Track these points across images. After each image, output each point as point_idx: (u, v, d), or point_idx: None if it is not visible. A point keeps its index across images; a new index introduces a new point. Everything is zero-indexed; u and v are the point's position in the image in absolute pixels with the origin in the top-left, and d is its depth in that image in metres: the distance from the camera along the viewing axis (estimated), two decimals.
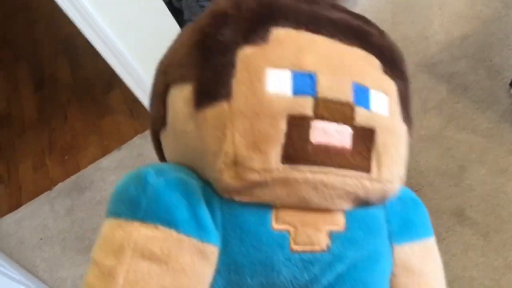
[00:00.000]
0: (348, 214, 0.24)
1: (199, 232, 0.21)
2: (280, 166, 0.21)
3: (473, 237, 1.40)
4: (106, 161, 2.10)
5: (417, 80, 1.83)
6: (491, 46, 1.82)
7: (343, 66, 0.23)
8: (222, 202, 0.22)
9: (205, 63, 0.22)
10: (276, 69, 0.21)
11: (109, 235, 0.23)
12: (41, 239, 1.92)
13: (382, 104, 0.24)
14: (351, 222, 0.24)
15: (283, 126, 0.21)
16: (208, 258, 0.21)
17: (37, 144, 2.37)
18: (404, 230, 0.27)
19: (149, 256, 0.21)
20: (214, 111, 0.21)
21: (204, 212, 0.22)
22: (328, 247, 0.23)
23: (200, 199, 0.22)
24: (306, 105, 0.21)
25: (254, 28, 0.22)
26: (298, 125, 0.21)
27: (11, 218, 2.05)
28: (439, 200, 1.50)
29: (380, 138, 0.24)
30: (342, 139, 0.22)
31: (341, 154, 0.22)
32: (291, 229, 0.22)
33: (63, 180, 2.12)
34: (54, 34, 3.04)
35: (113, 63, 1.83)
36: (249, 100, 0.20)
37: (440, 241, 1.42)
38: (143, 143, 2.09)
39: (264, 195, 0.22)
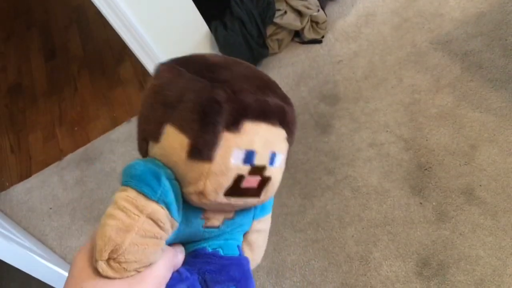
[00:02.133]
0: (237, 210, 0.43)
1: (177, 216, 0.38)
2: (223, 198, 0.38)
3: (481, 217, 1.39)
4: (115, 133, 2.11)
5: (431, 58, 1.81)
6: (507, 24, 1.78)
7: (270, 143, 0.40)
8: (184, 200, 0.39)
9: (200, 131, 0.37)
10: (238, 149, 0.37)
11: (134, 199, 0.35)
12: (50, 208, 1.95)
13: (280, 160, 0.42)
14: (237, 214, 0.43)
15: (231, 182, 0.38)
16: (173, 226, 0.38)
17: (47, 115, 2.38)
18: (260, 212, 0.46)
19: (153, 219, 0.36)
20: (198, 166, 0.37)
21: (180, 206, 0.38)
22: (219, 226, 0.42)
23: (180, 199, 0.38)
24: (245, 170, 0.38)
25: (233, 122, 0.37)
26: (238, 179, 0.38)
27: (21, 187, 2.07)
28: (449, 178, 1.49)
29: (272, 182, 0.41)
30: (255, 183, 0.40)
31: (251, 189, 0.40)
32: (206, 219, 0.41)
33: (72, 151, 2.13)
34: (66, 4, 3.03)
35: (124, 34, 1.82)
36: (221, 166, 0.37)
37: (448, 219, 1.43)
38: None
39: (207, 207, 0.40)
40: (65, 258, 1.77)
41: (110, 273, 0.35)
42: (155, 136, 0.40)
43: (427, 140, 1.59)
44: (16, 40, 2.96)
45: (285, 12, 1.95)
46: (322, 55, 2.01)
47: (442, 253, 1.36)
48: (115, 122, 2.17)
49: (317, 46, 2.05)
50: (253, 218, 0.46)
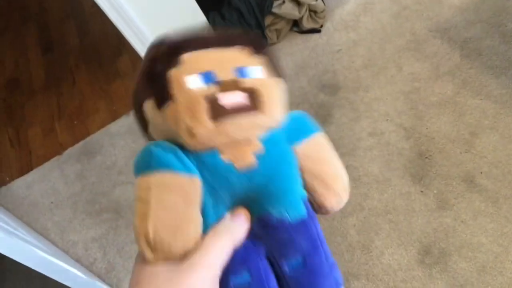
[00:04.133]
0: (262, 140, 0.40)
1: (185, 169, 0.37)
2: (210, 123, 0.37)
3: (482, 204, 1.40)
4: (115, 126, 2.11)
5: (430, 46, 1.80)
6: (506, 10, 1.77)
7: (227, 61, 0.40)
8: (192, 152, 0.38)
9: (154, 85, 0.39)
10: (190, 75, 0.38)
11: (141, 183, 0.37)
12: (52, 202, 1.95)
13: (257, 72, 0.40)
14: (265, 144, 0.40)
15: (203, 102, 0.37)
16: (194, 183, 0.38)
17: (46, 109, 2.37)
18: (296, 135, 0.43)
19: (163, 187, 0.36)
20: (168, 109, 0.38)
21: (186, 159, 0.38)
22: (256, 163, 0.39)
23: (181, 153, 0.38)
24: (212, 88, 0.37)
25: (172, 59, 0.39)
26: (212, 99, 0.37)
27: (21, 181, 2.07)
28: (449, 166, 1.49)
29: (265, 92, 0.39)
30: (241, 99, 0.38)
31: (245, 108, 0.38)
32: (232, 158, 0.39)
33: (72, 145, 2.13)
34: None
35: (121, 26, 1.81)
36: (182, 96, 0.37)
37: (449, 207, 1.43)
38: None
39: (210, 143, 0.38)
40: (67, 252, 1.77)
41: (151, 257, 0.36)
42: (146, 122, 0.43)
43: (427, 128, 1.59)
44: (12, 34, 2.95)
45: (283, 2, 1.94)
46: (321, 44, 2.00)
47: (443, 240, 1.37)
48: (114, 115, 2.16)
49: (315, 35, 2.04)
50: (292, 144, 0.42)
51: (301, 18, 1.99)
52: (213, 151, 0.39)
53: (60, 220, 1.88)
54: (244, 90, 0.38)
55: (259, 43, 0.43)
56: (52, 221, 1.88)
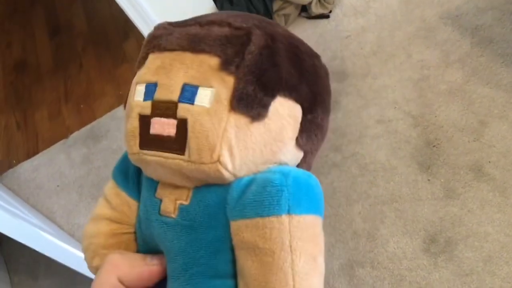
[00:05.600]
0: (193, 191, 0.33)
1: (126, 190, 0.37)
2: (138, 150, 0.32)
3: (490, 193, 1.38)
4: (121, 111, 2.10)
5: (440, 33, 1.78)
6: None
7: (179, 73, 0.31)
8: (142, 176, 0.36)
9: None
10: (140, 84, 0.33)
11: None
12: (58, 186, 1.95)
13: (205, 97, 0.31)
14: (193, 198, 0.32)
15: (136, 123, 0.32)
16: (131, 207, 0.37)
17: (53, 92, 2.37)
18: (236, 208, 0.31)
19: (105, 193, 0.39)
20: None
21: (132, 181, 0.37)
22: (176, 216, 0.33)
23: (131, 172, 0.37)
24: (147, 107, 0.32)
25: (145, 54, 0.35)
26: (143, 122, 0.32)
27: (28, 164, 2.08)
28: (457, 155, 1.48)
29: (190, 126, 0.30)
30: (169, 129, 0.31)
31: (167, 140, 0.31)
32: (162, 199, 0.34)
33: (79, 128, 2.13)
34: None
35: (128, 10, 1.80)
36: (127, 108, 0.33)
37: (456, 196, 1.42)
38: None
39: (145, 172, 0.35)
40: (73, 235, 1.78)
41: None
42: None
43: (435, 116, 1.57)
44: (20, 16, 2.94)
45: None
46: (329, 30, 1.98)
47: (450, 229, 1.36)
48: (120, 100, 2.16)
49: (324, 21, 2.02)
50: (228, 217, 0.31)
51: (310, 3, 1.97)
52: (153, 184, 0.35)
53: (66, 204, 1.88)
54: (178, 119, 0.31)
55: (242, 47, 0.32)
56: (58, 204, 1.89)
